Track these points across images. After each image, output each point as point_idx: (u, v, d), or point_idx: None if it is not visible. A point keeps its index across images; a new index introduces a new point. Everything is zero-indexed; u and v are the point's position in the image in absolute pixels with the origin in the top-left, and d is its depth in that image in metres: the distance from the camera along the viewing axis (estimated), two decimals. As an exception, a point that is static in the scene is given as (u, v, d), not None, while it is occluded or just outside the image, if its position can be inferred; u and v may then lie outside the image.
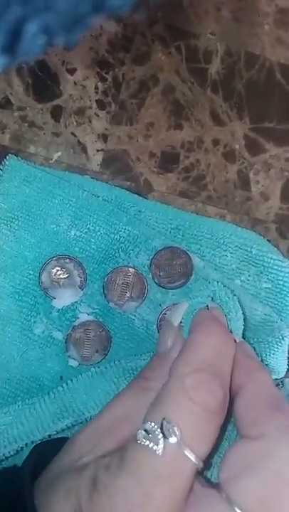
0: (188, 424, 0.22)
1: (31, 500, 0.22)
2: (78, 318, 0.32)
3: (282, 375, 0.32)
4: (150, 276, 0.33)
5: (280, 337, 0.31)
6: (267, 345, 0.31)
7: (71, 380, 0.30)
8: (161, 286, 0.33)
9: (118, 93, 0.36)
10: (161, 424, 0.22)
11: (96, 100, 0.36)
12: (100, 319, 0.33)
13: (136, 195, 0.35)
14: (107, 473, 0.22)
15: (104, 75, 0.36)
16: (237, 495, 0.21)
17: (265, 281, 0.34)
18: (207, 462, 0.23)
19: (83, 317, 0.32)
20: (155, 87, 0.36)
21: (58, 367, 0.32)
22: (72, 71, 0.36)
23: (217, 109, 0.37)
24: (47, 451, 0.26)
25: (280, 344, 0.31)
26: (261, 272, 0.34)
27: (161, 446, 0.21)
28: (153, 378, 0.26)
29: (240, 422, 0.23)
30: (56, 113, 0.35)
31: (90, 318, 0.33)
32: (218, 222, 0.35)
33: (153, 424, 0.22)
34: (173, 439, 0.21)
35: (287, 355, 0.32)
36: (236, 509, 0.20)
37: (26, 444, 0.29)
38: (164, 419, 0.22)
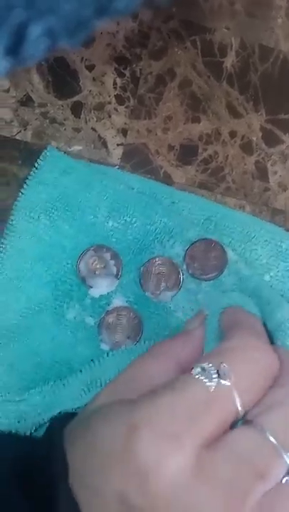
0: (243, 374, 0.24)
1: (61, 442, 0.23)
2: (112, 304, 0.33)
3: None
4: (185, 266, 0.34)
5: None
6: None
7: (103, 358, 0.31)
8: (194, 277, 0.34)
9: (136, 88, 0.37)
10: (218, 367, 0.24)
11: (115, 95, 0.36)
12: (135, 307, 0.33)
13: (169, 187, 0.35)
14: (151, 396, 0.23)
15: (122, 70, 0.36)
16: (268, 423, 0.23)
17: None
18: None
19: (117, 303, 0.33)
20: (172, 81, 0.37)
21: (88, 351, 0.32)
22: (90, 67, 0.36)
23: (233, 101, 0.37)
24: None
25: None
26: None
27: (214, 384, 0.23)
28: (171, 348, 0.27)
29: None
30: (76, 109, 0.36)
31: (124, 304, 0.33)
32: (248, 216, 0.35)
33: (210, 364, 0.24)
34: (227, 382, 0.23)
35: None
36: (268, 434, 0.22)
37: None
38: (221, 363, 0.24)
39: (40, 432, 0.29)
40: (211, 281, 0.33)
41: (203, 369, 0.23)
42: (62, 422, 0.26)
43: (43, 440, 0.25)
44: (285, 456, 0.22)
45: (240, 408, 0.23)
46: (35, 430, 0.29)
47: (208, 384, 0.23)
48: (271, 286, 0.34)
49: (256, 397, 0.24)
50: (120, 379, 0.26)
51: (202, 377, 0.23)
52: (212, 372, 0.23)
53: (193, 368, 0.24)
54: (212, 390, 0.23)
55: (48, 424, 0.28)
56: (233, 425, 0.24)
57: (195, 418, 0.22)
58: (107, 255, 0.33)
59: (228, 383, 0.23)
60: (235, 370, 0.24)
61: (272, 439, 0.22)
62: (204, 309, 0.31)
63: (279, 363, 0.26)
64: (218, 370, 0.23)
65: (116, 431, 0.22)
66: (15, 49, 0.16)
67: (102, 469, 0.22)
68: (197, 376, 0.23)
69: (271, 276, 0.34)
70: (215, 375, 0.23)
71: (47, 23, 0.16)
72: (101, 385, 0.29)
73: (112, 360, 0.30)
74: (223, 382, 0.23)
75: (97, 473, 0.22)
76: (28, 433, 0.28)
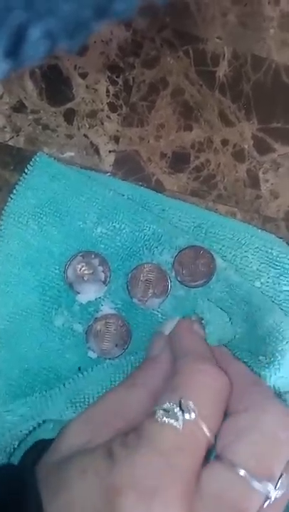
0: (203, 402, 0.24)
1: (34, 484, 0.23)
2: (101, 311, 0.33)
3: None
4: (173, 274, 0.34)
5: (283, 353, 0.31)
6: (271, 360, 0.31)
7: (87, 371, 0.31)
8: (183, 284, 0.34)
9: (129, 96, 0.37)
10: (180, 403, 0.24)
11: (108, 103, 0.37)
12: (123, 314, 0.33)
13: (160, 194, 0.35)
14: (124, 448, 0.23)
15: (115, 78, 0.37)
16: (236, 456, 0.23)
17: (285, 284, 0.34)
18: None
19: (106, 310, 0.33)
20: (165, 89, 0.37)
21: (76, 358, 0.32)
22: (84, 75, 0.36)
23: (225, 110, 0.37)
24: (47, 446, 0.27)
25: (283, 360, 0.31)
26: (281, 275, 0.34)
27: (180, 422, 0.23)
28: (142, 378, 0.28)
29: (228, 403, 0.26)
30: (69, 116, 0.36)
31: (112, 311, 0.33)
32: (238, 223, 0.35)
33: (172, 403, 0.24)
34: (191, 416, 0.23)
35: None
36: (238, 469, 0.23)
37: (39, 425, 0.29)
38: (181, 398, 0.24)
39: (17, 453, 0.29)
40: (200, 288, 0.33)
41: (165, 410, 0.23)
42: (34, 456, 0.25)
43: (14, 476, 0.25)
44: (256, 488, 0.22)
45: (209, 435, 0.23)
46: (18, 445, 0.29)
47: (175, 424, 0.23)
48: (262, 292, 0.33)
49: (219, 420, 0.24)
50: (94, 411, 0.26)
51: (168, 419, 0.23)
52: (175, 411, 0.23)
53: (155, 412, 0.24)
54: (181, 428, 0.23)
55: (21, 457, 0.27)
56: (208, 453, 0.24)
57: (174, 466, 0.22)
58: (96, 261, 0.33)
59: (193, 416, 0.23)
60: (194, 401, 0.24)
61: (242, 472, 0.22)
62: (176, 318, 0.31)
63: (229, 382, 0.26)
64: (180, 407, 0.23)
65: (96, 492, 0.22)
66: (14, 51, 0.16)
67: None
68: (162, 420, 0.23)
69: (262, 283, 0.34)
70: (179, 413, 0.23)
71: (46, 24, 0.16)
72: (84, 399, 0.29)
73: (95, 374, 0.30)
74: (188, 417, 0.23)
75: None
76: (9, 448, 0.28)
